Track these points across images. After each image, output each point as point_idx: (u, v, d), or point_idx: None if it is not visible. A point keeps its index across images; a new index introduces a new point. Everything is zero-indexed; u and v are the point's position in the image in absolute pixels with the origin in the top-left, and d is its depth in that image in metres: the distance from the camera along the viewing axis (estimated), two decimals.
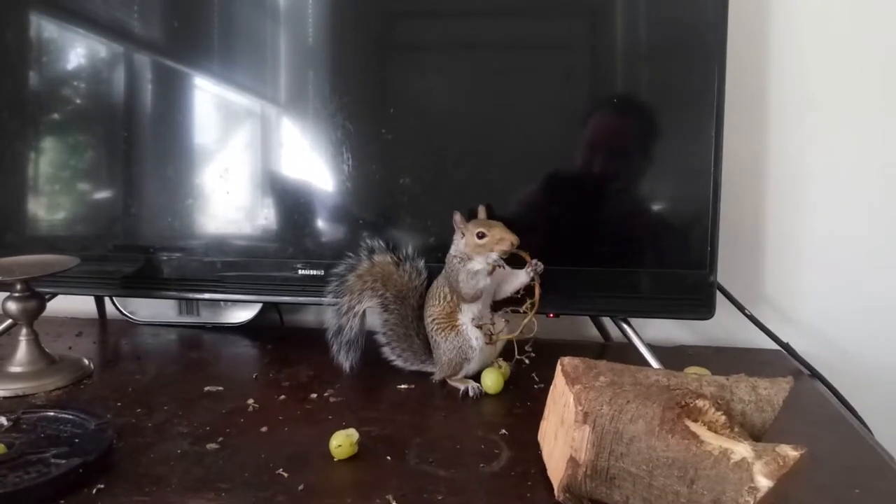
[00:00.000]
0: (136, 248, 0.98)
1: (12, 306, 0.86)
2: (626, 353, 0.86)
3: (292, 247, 0.94)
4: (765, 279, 1.03)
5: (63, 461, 0.61)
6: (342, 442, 0.66)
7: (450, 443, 0.70)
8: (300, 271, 0.93)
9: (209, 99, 0.96)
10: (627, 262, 0.88)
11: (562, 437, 0.59)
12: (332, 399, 0.81)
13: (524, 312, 0.82)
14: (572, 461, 0.56)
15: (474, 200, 0.85)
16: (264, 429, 0.73)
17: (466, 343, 0.82)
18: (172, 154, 0.96)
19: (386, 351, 0.88)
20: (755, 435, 0.59)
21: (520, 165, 0.90)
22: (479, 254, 0.80)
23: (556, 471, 0.59)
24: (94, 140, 0.99)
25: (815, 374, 0.95)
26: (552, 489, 0.60)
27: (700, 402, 0.55)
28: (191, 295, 0.99)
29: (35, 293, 0.87)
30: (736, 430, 0.54)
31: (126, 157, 0.98)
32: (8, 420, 0.70)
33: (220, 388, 0.84)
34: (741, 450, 0.49)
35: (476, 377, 0.84)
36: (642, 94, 0.89)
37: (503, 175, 0.90)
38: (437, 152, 0.91)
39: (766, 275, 1.03)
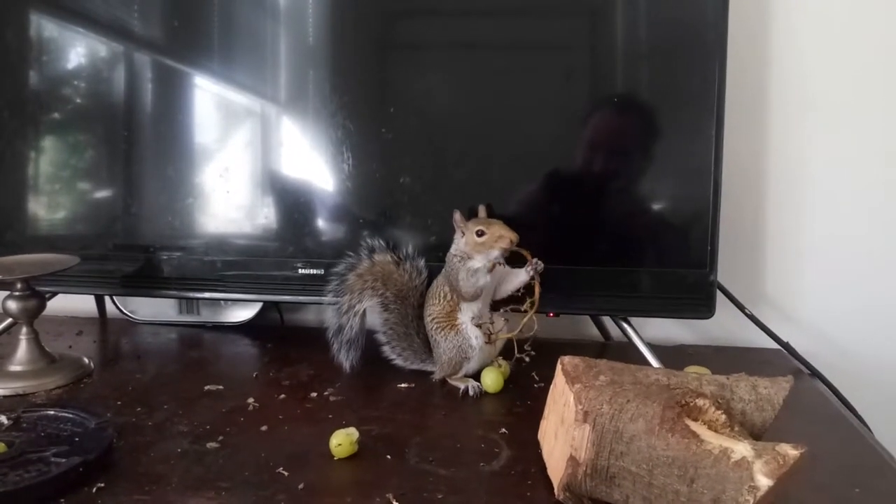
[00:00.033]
0: (136, 247, 0.98)
1: (12, 305, 0.86)
2: (626, 353, 0.86)
3: (292, 246, 0.94)
4: (765, 278, 1.03)
5: (63, 460, 0.61)
6: (342, 441, 0.66)
7: (450, 442, 0.70)
8: (300, 270, 0.93)
9: (209, 98, 0.96)
10: (628, 262, 0.88)
11: (562, 436, 0.59)
12: (332, 398, 0.81)
13: (524, 311, 0.82)
14: (572, 460, 0.56)
15: (474, 200, 0.85)
16: (264, 428, 0.73)
17: (466, 342, 0.83)
18: (172, 153, 0.96)
19: (386, 350, 0.88)
20: (755, 434, 0.59)
21: (520, 165, 0.90)
22: (478, 252, 0.80)
23: (557, 470, 0.59)
24: (95, 139, 0.99)
25: (815, 374, 0.95)
26: (552, 488, 0.60)
27: (700, 402, 0.55)
28: (191, 294, 0.99)
29: (35, 292, 0.87)
30: (736, 429, 0.54)
31: (126, 156, 0.98)
32: (8, 419, 0.70)
33: (221, 387, 0.84)
34: (741, 449, 0.49)
35: (476, 376, 0.84)
36: (642, 93, 0.89)
37: (503, 174, 0.90)
38: (437, 151, 0.91)
39: (767, 274, 1.03)
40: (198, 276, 0.96)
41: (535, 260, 0.81)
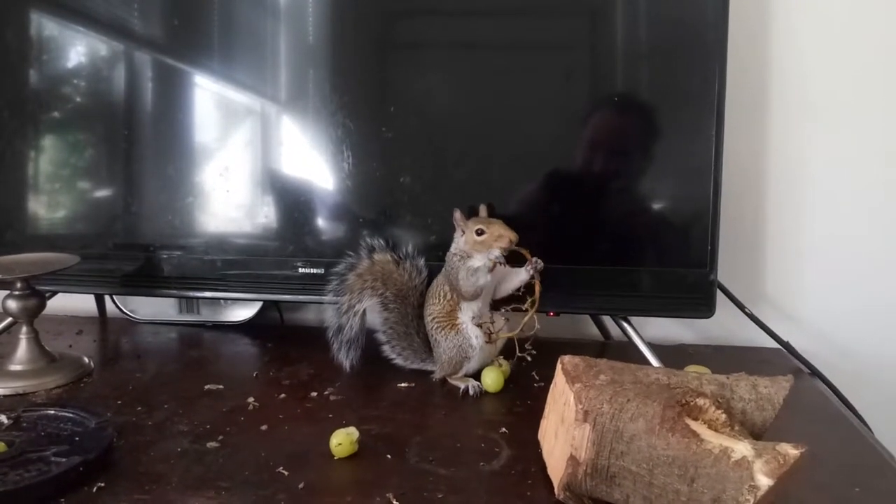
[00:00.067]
0: (136, 246, 0.98)
1: (12, 304, 0.86)
2: (626, 352, 0.86)
3: (292, 245, 0.94)
4: (765, 278, 1.03)
5: (63, 459, 0.61)
6: (342, 440, 0.66)
7: (450, 441, 0.70)
8: (300, 269, 0.93)
9: (209, 97, 0.96)
10: (628, 261, 0.88)
11: (562, 435, 0.59)
12: (332, 397, 0.81)
13: (524, 311, 0.82)
14: (573, 460, 0.56)
15: (475, 199, 0.85)
16: (264, 427, 0.73)
17: (466, 341, 0.83)
18: (173, 152, 0.96)
19: (386, 349, 0.88)
20: (755, 433, 0.59)
21: (520, 165, 0.90)
22: (478, 251, 0.80)
23: (557, 469, 0.59)
24: (95, 138, 0.99)
25: (815, 373, 0.95)
26: (552, 488, 0.60)
27: (700, 401, 0.55)
28: (191, 293, 0.99)
29: (35, 291, 0.87)
30: (736, 428, 0.54)
31: (126, 155, 0.98)
32: (8, 418, 0.70)
33: (221, 387, 0.84)
34: (741, 448, 0.49)
35: (476, 376, 0.84)
36: (642, 93, 0.89)
37: (503, 174, 0.90)
38: (437, 151, 0.91)
39: (767, 273, 1.03)
40: (198, 275, 0.96)
41: (535, 259, 0.81)
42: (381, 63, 0.94)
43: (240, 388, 0.83)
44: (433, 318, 0.84)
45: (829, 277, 1.02)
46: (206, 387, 0.83)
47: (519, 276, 0.83)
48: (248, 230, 0.97)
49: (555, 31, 0.89)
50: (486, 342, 0.83)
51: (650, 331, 1.00)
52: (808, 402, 0.83)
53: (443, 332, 0.83)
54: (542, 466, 0.63)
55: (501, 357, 0.86)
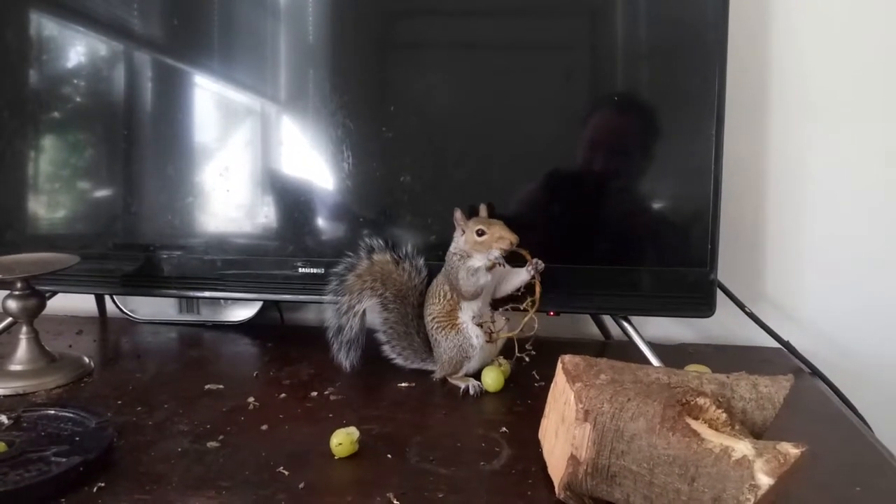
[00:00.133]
0: (136, 246, 0.98)
1: (12, 304, 0.86)
2: (626, 351, 0.86)
3: (292, 245, 0.94)
4: (765, 277, 1.03)
5: (63, 459, 0.61)
6: (343, 440, 0.66)
7: (450, 441, 0.70)
8: (300, 269, 0.93)
9: (209, 97, 0.96)
10: (628, 261, 0.88)
11: (562, 435, 0.59)
12: (332, 397, 0.81)
13: (524, 310, 0.82)
14: (573, 459, 0.56)
15: (475, 199, 0.85)
16: (265, 427, 0.73)
17: (467, 341, 0.83)
18: (172, 152, 0.96)
19: (386, 349, 0.88)
20: (756, 433, 0.59)
21: (520, 165, 0.90)
22: (478, 251, 0.80)
23: (557, 469, 0.59)
24: (95, 138, 0.99)
25: (815, 372, 0.95)
26: (553, 487, 0.60)
27: (701, 400, 0.55)
28: (191, 293, 0.99)
29: (35, 291, 0.87)
30: (737, 427, 0.54)
31: (126, 155, 0.98)
32: (8, 418, 0.70)
33: (221, 387, 0.83)
34: (742, 447, 0.49)
35: (476, 375, 0.84)
36: (643, 93, 0.89)
37: (503, 174, 0.90)
38: (437, 151, 0.91)
39: (767, 273, 1.03)
40: (198, 275, 0.96)
41: (535, 260, 0.81)
42: (381, 63, 0.94)
43: (240, 388, 0.83)
44: (433, 318, 0.84)
45: (829, 277, 1.02)
46: (207, 387, 0.83)
47: (519, 277, 0.83)
48: (248, 230, 0.97)
49: (555, 31, 0.89)
50: (487, 342, 0.83)
51: (650, 330, 1.00)
52: (809, 402, 0.83)
53: (443, 332, 0.83)
54: (543, 466, 0.63)
55: (501, 357, 0.85)
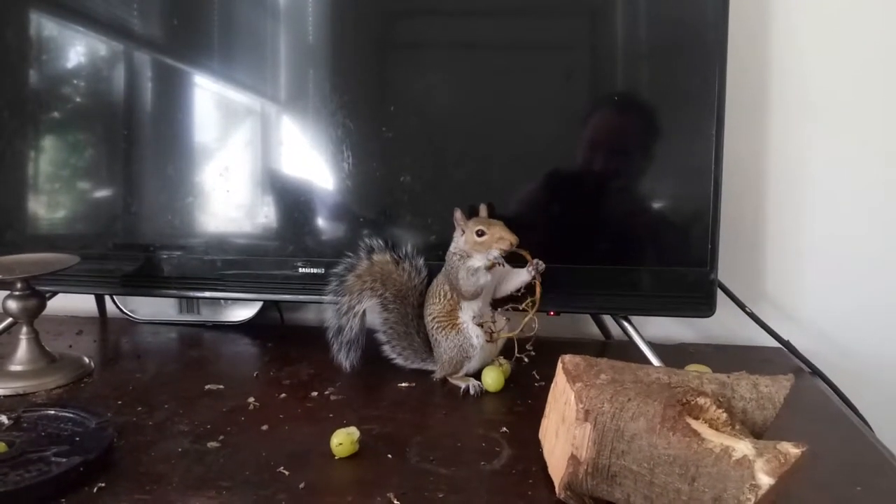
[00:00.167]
0: (136, 246, 0.98)
1: (13, 305, 0.86)
2: (626, 351, 0.86)
3: (292, 245, 0.94)
4: (765, 277, 1.03)
5: (64, 460, 0.61)
6: (343, 440, 0.66)
7: (450, 441, 0.70)
8: (300, 269, 0.93)
9: (209, 97, 0.96)
10: (628, 260, 0.88)
11: (563, 434, 0.59)
12: (332, 397, 0.81)
13: (525, 310, 0.82)
14: (573, 459, 0.56)
15: (475, 199, 0.85)
16: (265, 427, 0.73)
17: (467, 341, 0.83)
18: (172, 152, 0.96)
19: (386, 349, 0.88)
20: (756, 432, 0.59)
21: (520, 165, 0.90)
22: (478, 251, 0.80)
23: (557, 469, 0.59)
24: (95, 138, 0.99)
25: (815, 372, 0.95)
26: (553, 487, 0.60)
27: (701, 400, 0.55)
28: (191, 293, 0.99)
29: (35, 292, 0.87)
30: (737, 427, 0.54)
31: (126, 155, 0.98)
32: (8, 418, 0.70)
33: (221, 387, 0.83)
34: (742, 447, 0.49)
35: (477, 375, 0.84)
36: (643, 93, 0.89)
37: (503, 174, 0.90)
38: (437, 151, 0.91)
39: (767, 273, 1.03)
40: (198, 275, 0.96)
41: (536, 260, 0.81)
42: (381, 63, 0.94)
43: (240, 388, 0.83)
44: (433, 318, 0.84)
45: (829, 277, 1.02)
46: (207, 387, 0.83)
47: (520, 277, 0.83)
48: (248, 230, 0.97)
49: (555, 31, 0.89)
50: (487, 341, 0.83)
51: (651, 330, 1.00)
52: (809, 401, 0.83)
53: (443, 332, 0.83)
54: (543, 466, 0.63)
55: (502, 357, 0.85)
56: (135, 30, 0.96)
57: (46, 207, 1.01)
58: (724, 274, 0.90)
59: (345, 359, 0.85)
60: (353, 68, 0.93)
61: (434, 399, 0.81)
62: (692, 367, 0.80)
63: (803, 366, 0.95)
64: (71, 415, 0.71)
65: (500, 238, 0.79)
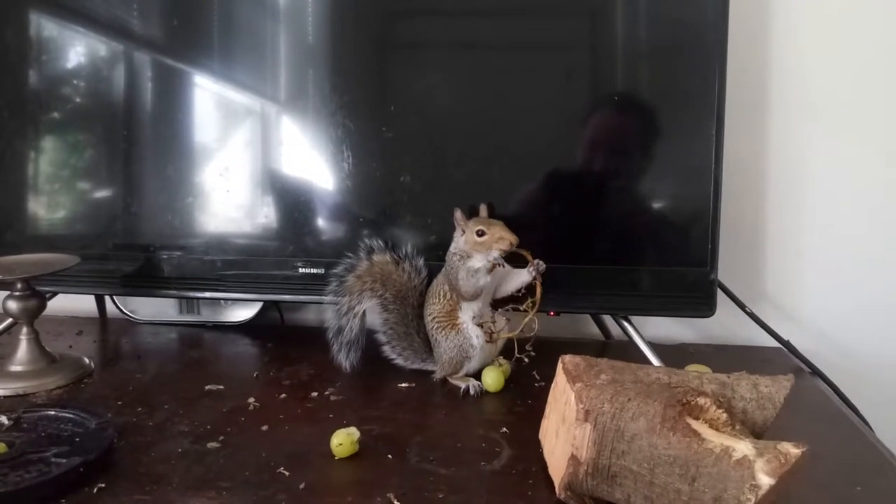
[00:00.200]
0: (136, 246, 0.98)
1: (13, 305, 0.86)
2: (626, 351, 0.86)
3: (293, 245, 0.94)
4: (765, 277, 1.03)
5: (64, 460, 0.61)
6: (343, 440, 0.66)
7: (450, 441, 0.70)
8: (300, 270, 0.93)
9: (209, 97, 0.96)
10: (628, 260, 0.88)
11: (563, 435, 0.59)
12: (332, 397, 0.81)
13: (525, 311, 0.82)
14: (573, 459, 0.56)
15: (475, 199, 0.85)
16: (265, 427, 0.73)
17: (467, 341, 0.82)
18: (172, 152, 0.96)
19: (386, 349, 0.88)
20: (756, 432, 0.59)
21: (520, 165, 0.90)
22: (478, 252, 0.80)
23: (558, 469, 0.59)
24: (94, 139, 0.99)
25: (815, 372, 0.95)
26: (553, 487, 0.60)
27: (701, 400, 0.55)
28: (191, 294, 0.99)
29: (35, 292, 0.87)
30: (737, 427, 0.54)
31: (126, 155, 0.98)
32: (8, 419, 0.70)
33: (221, 387, 0.83)
34: (743, 447, 0.49)
35: (477, 375, 0.84)
36: (643, 93, 0.89)
37: (503, 174, 0.90)
38: (437, 151, 0.91)
39: (767, 273, 1.03)
40: (198, 275, 0.96)
41: (536, 261, 0.81)
42: (381, 63, 0.94)
43: (240, 389, 0.83)
44: (433, 318, 0.84)
45: (829, 277, 1.02)
46: (207, 387, 0.83)
47: (520, 277, 0.82)
48: (248, 230, 0.97)
49: (555, 31, 0.89)
50: (487, 342, 0.83)
51: (651, 330, 1.00)
52: (809, 402, 0.83)
53: (443, 332, 0.83)
54: (543, 466, 0.63)
55: (502, 357, 0.85)
56: (135, 30, 0.96)
57: (46, 208, 1.01)
58: (724, 274, 0.90)
59: (345, 359, 0.85)
60: (352, 68, 0.93)
61: (434, 399, 0.81)
62: (692, 367, 0.80)
63: (803, 366, 0.95)
64: (71, 415, 0.71)
65: (501, 238, 0.79)
